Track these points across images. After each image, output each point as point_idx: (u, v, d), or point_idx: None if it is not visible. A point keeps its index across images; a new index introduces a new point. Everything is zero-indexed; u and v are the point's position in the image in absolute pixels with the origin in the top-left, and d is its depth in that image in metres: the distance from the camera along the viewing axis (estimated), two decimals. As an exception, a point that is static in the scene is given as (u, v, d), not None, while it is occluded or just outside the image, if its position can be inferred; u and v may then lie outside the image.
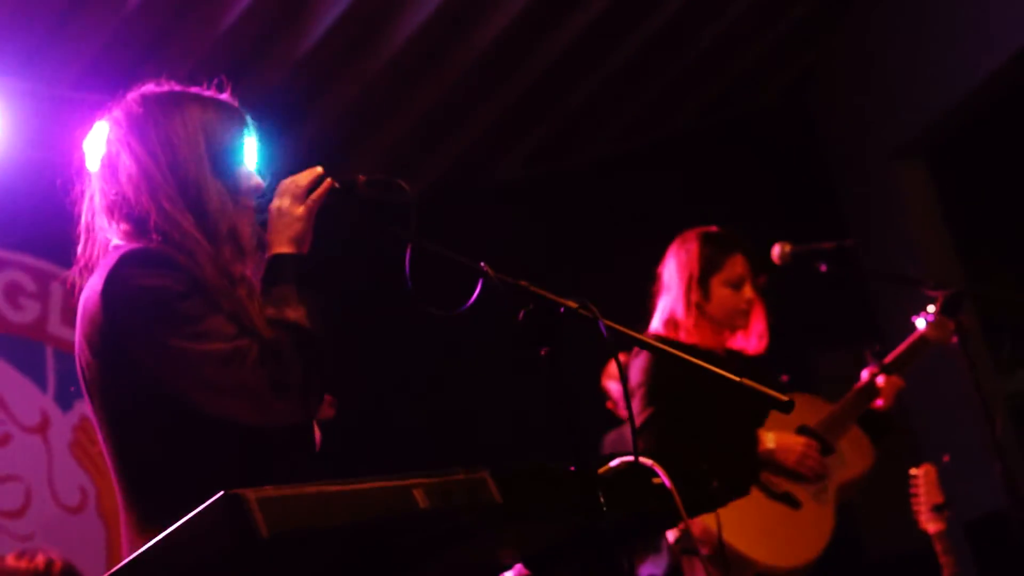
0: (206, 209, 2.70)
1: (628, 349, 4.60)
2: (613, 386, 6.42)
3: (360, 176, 2.76)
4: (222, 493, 2.12)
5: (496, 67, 7.02)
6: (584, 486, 2.49)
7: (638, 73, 7.70)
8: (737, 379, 2.51)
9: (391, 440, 6.58)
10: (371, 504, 2.28)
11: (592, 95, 7.70)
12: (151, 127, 2.78)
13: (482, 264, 2.62)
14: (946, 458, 5.19)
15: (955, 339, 4.74)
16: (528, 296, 2.56)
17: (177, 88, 2.86)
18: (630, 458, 2.61)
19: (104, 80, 5.98)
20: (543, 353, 2.53)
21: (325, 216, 2.79)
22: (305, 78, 6.49)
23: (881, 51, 8.38)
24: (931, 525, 4.80)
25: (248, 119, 2.85)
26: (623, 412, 6.46)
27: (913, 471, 4.90)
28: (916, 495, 4.86)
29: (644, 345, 2.73)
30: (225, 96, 2.87)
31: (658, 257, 4.84)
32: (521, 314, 2.55)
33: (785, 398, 2.48)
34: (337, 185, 2.77)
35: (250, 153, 2.83)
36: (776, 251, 4.70)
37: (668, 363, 4.17)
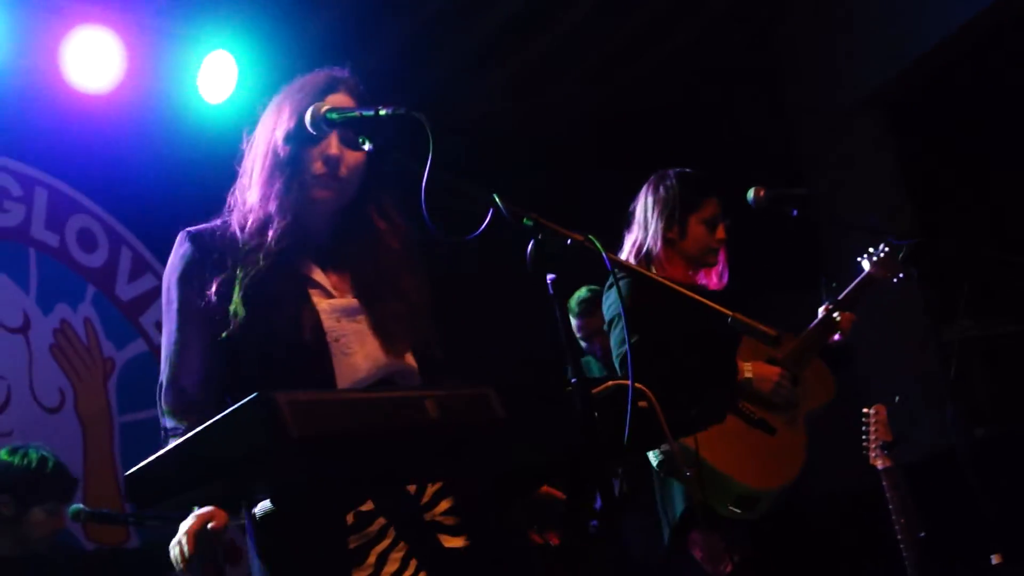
0: (262, 193, 3.11)
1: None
2: (573, 321, 6.66)
3: (380, 107, 2.96)
4: (256, 395, 2.31)
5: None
6: (581, 405, 2.70)
7: (611, 14, 7.87)
8: (730, 313, 2.72)
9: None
10: (388, 412, 2.49)
11: (566, 34, 7.88)
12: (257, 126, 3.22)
13: (494, 194, 2.80)
14: (897, 399, 5.44)
15: (898, 278, 5.03)
16: (537, 227, 2.76)
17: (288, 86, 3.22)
18: (621, 382, 2.82)
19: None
20: (549, 280, 2.73)
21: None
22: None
23: (846, 4, 8.59)
24: (879, 462, 5.05)
25: (334, 91, 3.14)
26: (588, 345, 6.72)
27: (865, 410, 5.15)
28: (866, 433, 5.12)
29: (648, 279, 2.93)
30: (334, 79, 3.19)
31: (615, 191, 5.03)
32: (531, 243, 2.75)
33: (773, 332, 2.70)
34: (359, 115, 2.99)
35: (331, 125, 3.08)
36: (751, 195, 4.90)
37: (646, 294, 4.39)
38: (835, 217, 5.24)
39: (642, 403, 2.85)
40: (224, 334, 2.97)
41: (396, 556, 2.88)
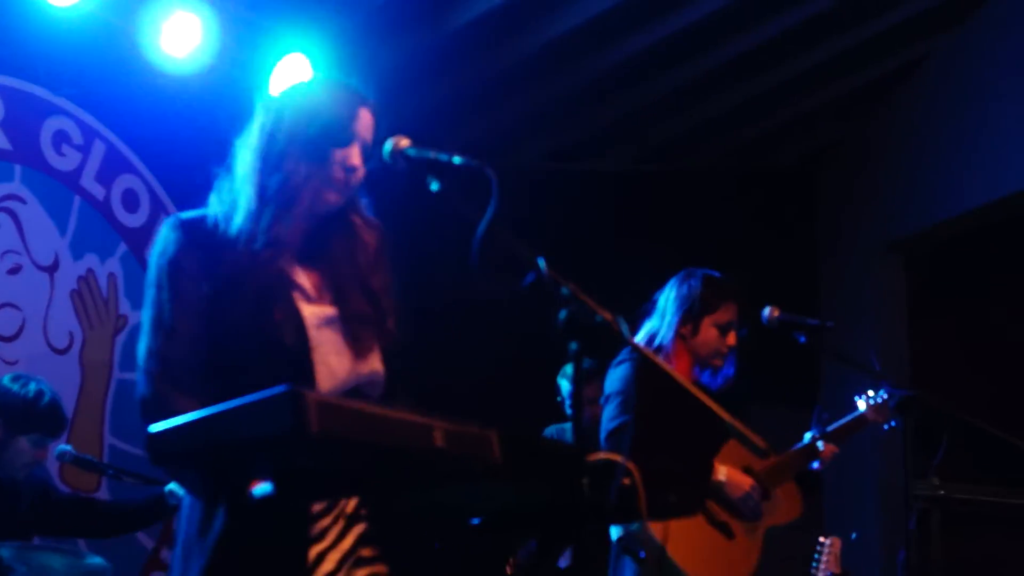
0: (284, 148, 3.18)
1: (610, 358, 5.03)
2: (565, 385, 6.84)
3: (455, 156, 3.17)
4: (288, 387, 2.51)
5: (555, 62, 7.45)
6: (574, 468, 2.91)
7: (681, 100, 8.18)
8: (729, 418, 2.93)
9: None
10: (399, 431, 2.68)
11: (628, 112, 8.16)
12: (272, 108, 3.29)
13: (540, 259, 3.01)
14: (854, 536, 5.66)
15: (889, 425, 5.27)
16: (573, 298, 2.98)
17: (309, 77, 3.35)
18: (613, 455, 3.02)
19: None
20: (573, 350, 2.94)
21: (406, 181, 3.24)
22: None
23: (898, 148, 8.87)
24: (823, 592, 5.27)
25: (364, 106, 3.29)
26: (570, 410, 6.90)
27: (822, 539, 5.37)
28: (817, 562, 5.33)
29: (657, 368, 3.13)
30: (349, 83, 3.34)
31: (640, 271, 5.28)
32: (563, 313, 2.96)
33: (764, 444, 2.91)
34: (435, 157, 3.20)
35: (359, 135, 3.25)
36: (765, 312, 5.15)
37: (651, 381, 4.61)
38: (840, 353, 5.48)
39: (626, 480, 3.05)
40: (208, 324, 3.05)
41: (333, 557, 3.10)
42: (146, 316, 3.14)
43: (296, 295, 3.19)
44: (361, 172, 3.26)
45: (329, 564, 3.08)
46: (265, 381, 2.75)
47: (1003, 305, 8.85)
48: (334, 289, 3.26)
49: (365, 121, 3.28)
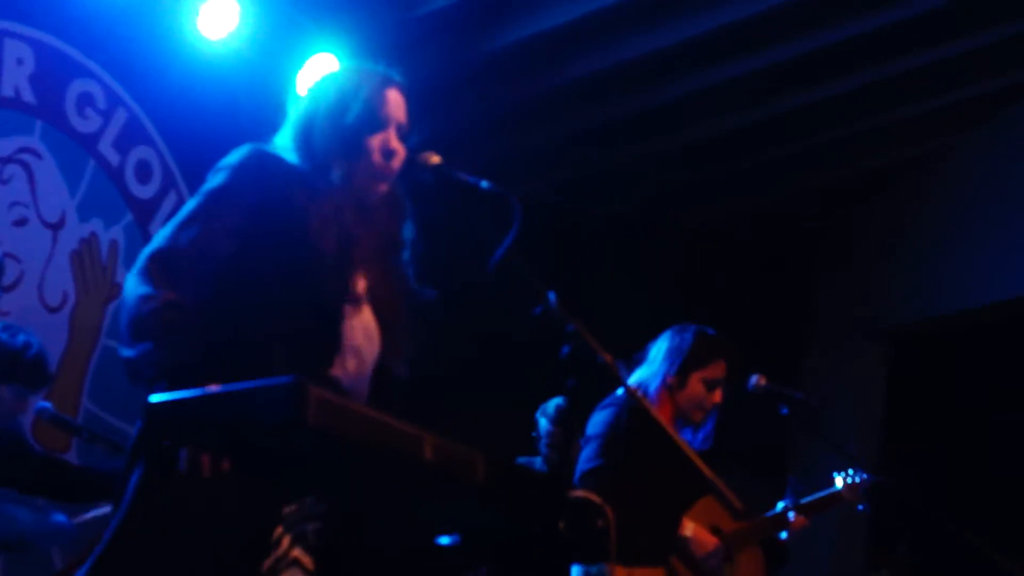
0: (320, 143, 3.24)
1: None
2: (543, 423, 6.89)
3: (483, 182, 3.23)
4: (293, 378, 2.55)
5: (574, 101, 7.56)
6: (553, 501, 2.97)
7: (693, 157, 8.36)
8: (711, 475, 3.00)
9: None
10: (392, 438, 2.75)
11: (640, 160, 8.31)
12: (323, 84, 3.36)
13: (551, 293, 3.09)
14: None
15: (863, 506, 5.37)
16: (577, 336, 3.05)
17: (357, 65, 3.45)
18: (591, 495, 3.09)
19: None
20: (570, 386, 3.02)
21: (436, 194, 3.31)
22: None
23: (898, 238, 9.02)
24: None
25: (392, 87, 3.35)
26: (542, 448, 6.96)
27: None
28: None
29: (647, 417, 3.21)
30: (373, 67, 3.41)
31: (630, 319, 5.34)
32: (566, 349, 3.03)
33: (740, 506, 2.98)
34: (462, 179, 3.26)
35: (392, 118, 3.29)
36: (752, 380, 5.21)
37: (637, 428, 4.67)
38: (820, 430, 5.55)
39: (600, 521, 3.11)
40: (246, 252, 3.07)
41: (286, 541, 3.13)
42: (182, 211, 3.12)
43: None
44: (402, 154, 3.29)
45: (284, 546, 3.09)
46: (287, 329, 2.85)
47: (982, 405, 8.93)
48: (373, 285, 3.30)
49: (395, 102, 3.33)
